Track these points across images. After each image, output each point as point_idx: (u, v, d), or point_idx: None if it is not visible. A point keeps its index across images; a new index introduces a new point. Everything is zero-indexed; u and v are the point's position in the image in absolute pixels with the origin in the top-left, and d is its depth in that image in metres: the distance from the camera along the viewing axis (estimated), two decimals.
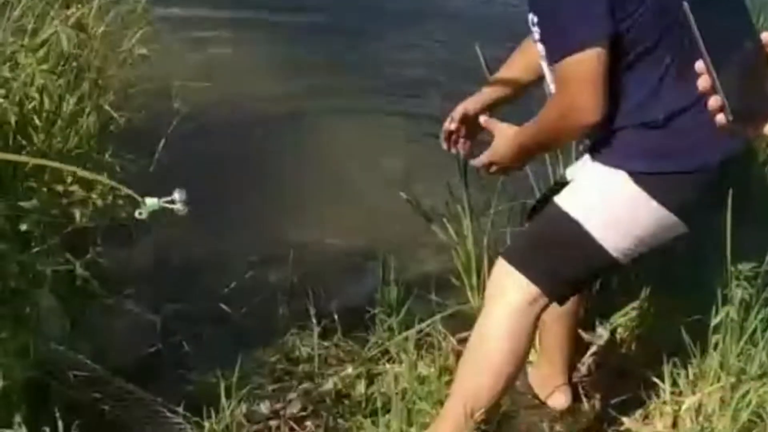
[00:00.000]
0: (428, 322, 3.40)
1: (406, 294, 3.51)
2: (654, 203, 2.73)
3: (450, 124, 3.10)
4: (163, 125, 4.05)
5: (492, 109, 3.09)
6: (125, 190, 2.11)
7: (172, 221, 3.84)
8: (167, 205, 2.40)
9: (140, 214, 2.35)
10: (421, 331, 3.41)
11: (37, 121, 3.52)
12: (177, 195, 2.40)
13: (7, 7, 3.70)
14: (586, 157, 2.85)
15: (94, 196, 2.67)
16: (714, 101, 1.29)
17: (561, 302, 2.98)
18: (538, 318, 2.87)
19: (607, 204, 2.78)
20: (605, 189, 2.77)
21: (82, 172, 2.51)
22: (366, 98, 4.81)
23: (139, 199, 2.27)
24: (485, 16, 6.18)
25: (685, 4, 1.28)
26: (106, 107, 3.78)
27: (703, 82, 1.29)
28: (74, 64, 3.75)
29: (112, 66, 3.95)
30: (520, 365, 2.91)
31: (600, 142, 2.76)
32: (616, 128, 2.70)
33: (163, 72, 4.21)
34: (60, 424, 2.49)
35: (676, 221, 2.76)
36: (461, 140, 3.13)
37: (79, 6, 3.98)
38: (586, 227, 2.76)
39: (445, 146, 3.15)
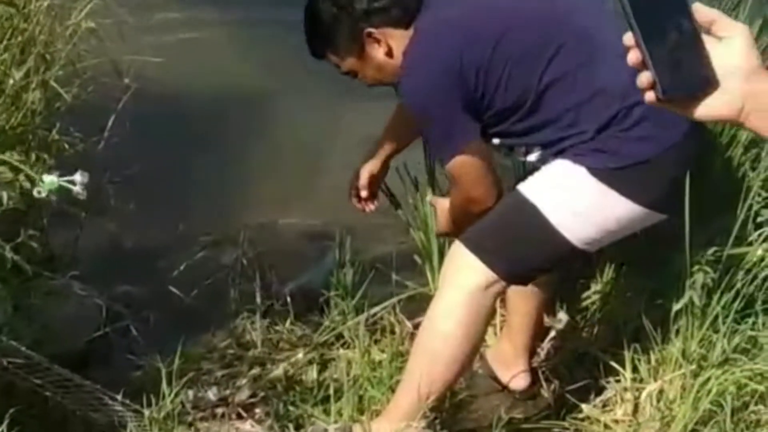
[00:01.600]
0: (382, 305, 3.35)
1: (363, 276, 3.43)
2: (615, 194, 2.74)
3: (362, 191, 3.40)
4: (113, 102, 3.92)
5: (389, 161, 3.41)
6: (24, 169, 1.99)
7: (122, 200, 3.85)
8: (66, 184, 2.31)
9: (39, 192, 2.27)
10: (375, 314, 3.34)
11: None
12: (78, 176, 2.32)
13: None
14: None
15: (21, 178, 2.57)
16: (645, 77, 1.27)
17: (523, 283, 2.93)
18: (494, 302, 2.85)
19: (567, 193, 2.77)
20: (566, 178, 2.77)
21: None
22: (326, 76, 4.74)
23: (37, 177, 2.17)
24: None
25: None
26: (53, 83, 3.65)
27: (633, 57, 1.27)
28: (19, 38, 3.62)
29: (59, 40, 3.82)
30: (474, 350, 2.89)
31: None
32: (563, 146, 2.77)
33: (113, 47, 4.08)
34: None
35: (643, 211, 2.75)
36: (369, 202, 3.44)
37: None
38: (545, 213, 2.75)
39: (358, 206, 3.45)
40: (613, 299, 3.44)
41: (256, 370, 3.25)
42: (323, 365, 3.30)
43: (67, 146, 3.67)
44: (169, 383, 2.87)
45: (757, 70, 1.26)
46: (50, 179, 2.31)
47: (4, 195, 2.54)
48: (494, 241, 2.83)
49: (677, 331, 3.07)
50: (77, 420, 2.93)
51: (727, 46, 1.26)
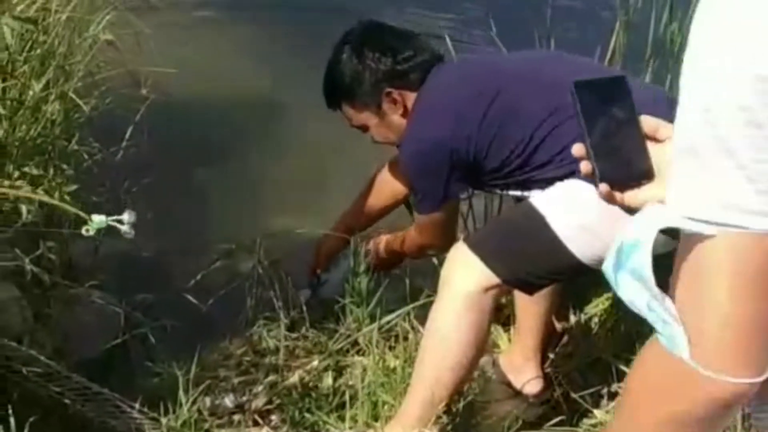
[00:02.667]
0: (397, 313, 3.35)
1: (378, 284, 3.45)
2: (625, 215, 2.70)
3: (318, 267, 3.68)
4: (130, 112, 3.98)
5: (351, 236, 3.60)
6: (72, 210, 2.03)
7: (140, 210, 3.88)
8: (115, 224, 2.35)
9: (87, 231, 2.31)
10: (389, 322, 3.36)
11: (0, 109, 3.45)
12: (126, 216, 2.37)
13: None
14: None
15: (39, 192, 2.61)
16: (585, 166, 1.42)
17: (529, 292, 2.95)
18: (494, 304, 2.87)
19: (577, 208, 2.77)
20: (575, 194, 2.77)
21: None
22: None
23: (86, 216, 2.21)
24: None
25: (571, 86, 1.43)
26: (71, 94, 3.71)
27: (576, 150, 1.43)
28: (38, 51, 3.68)
29: (77, 52, 3.88)
30: (479, 350, 2.89)
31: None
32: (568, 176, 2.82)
33: (131, 58, 4.14)
34: (12, 421, 2.41)
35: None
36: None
37: None
38: (553, 225, 2.76)
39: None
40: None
41: (272, 377, 3.26)
42: (338, 372, 3.31)
43: (86, 156, 3.72)
44: (187, 391, 2.89)
45: None
46: (99, 219, 2.35)
47: (24, 209, 2.58)
48: (498, 244, 2.85)
49: None
50: (96, 428, 2.94)
51: (669, 145, 1.36)
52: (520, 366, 3.28)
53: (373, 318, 3.34)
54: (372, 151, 3.47)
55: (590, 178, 1.43)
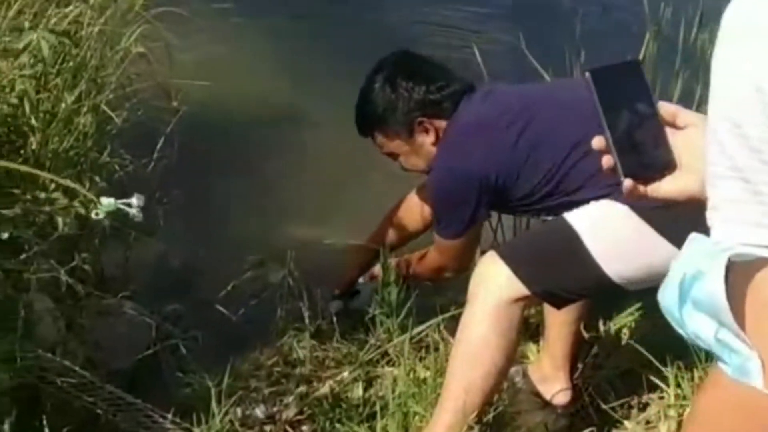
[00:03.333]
0: (427, 324, 3.36)
1: (408, 294, 3.46)
2: (655, 234, 2.74)
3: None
4: (162, 124, 4.02)
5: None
6: (80, 190, 2.04)
7: (171, 221, 3.92)
8: (123, 207, 2.36)
9: (96, 214, 2.32)
10: (420, 333, 3.37)
11: (33, 121, 3.48)
12: (134, 199, 2.37)
13: (3, 5, 3.66)
14: None
15: (76, 204, 2.64)
16: (606, 160, 1.41)
17: (557, 306, 2.95)
18: (523, 313, 2.88)
19: (610, 227, 2.80)
20: (609, 213, 2.80)
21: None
22: None
23: (95, 199, 2.22)
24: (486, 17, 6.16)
25: (587, 74, 1.41)
26: (104, 106, 3.74)
27: (596, 143, 1.41)
28: (71, 63, 3.71)
29: (109, 64, 3.91)
30: (509, 359, 2.90)
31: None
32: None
33: (162, 70, 4.17)
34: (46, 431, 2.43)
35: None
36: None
37: (77, 4, 3.94)
38: (585, 242, 2.77)
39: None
40: (656, 315, 3.44)
41: (302, 388, 3.27)
42: (369, 383, 3.32)
43: (117, 168, 3.75)
44: (219, 401, 2.90)
45: None
46: (108, 201, 2.37)
47: (60, 220, 2.61)
48: (530, 256, 2.87)
49: None
50: None
51: (689, 133, 1.38)
52: (550, 376, 3.28)
53: (403, 329, 3.34)
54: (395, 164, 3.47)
55: (612, 173, 1.42)
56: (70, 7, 3.91)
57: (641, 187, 1.41)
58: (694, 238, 1.30)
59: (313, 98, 4.95)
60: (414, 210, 3.60)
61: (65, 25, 3.77)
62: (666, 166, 1.40)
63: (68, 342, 3.17)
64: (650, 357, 3.29)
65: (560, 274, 2.83)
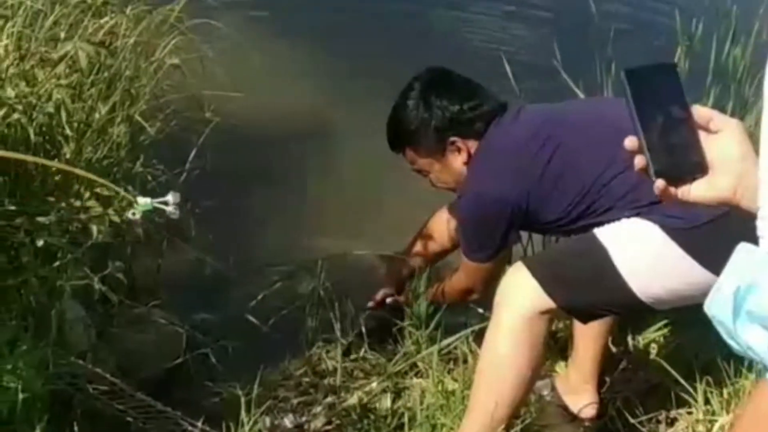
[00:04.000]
0: (456, 336, 3.36)
1: (437, 306, 3.47)
2: (685, 255, 2.74)
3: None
4: (194, 135, 4.04)
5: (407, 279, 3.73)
6: (116, 189, 2.06)
7: (203, 231, 3.94)
8: (160, 206, 2.37)
9: (133, 214, 2.33)
10: (449, 345, 3.38)
11: (67, 131, 3.51)
12: (170, 197, 2.37)
13: (40, 16, 3.69)
14: None
15: (110, 212, 2.66)
16: (639, 160, 1.41)
17: (583, 321, 2.96)
18: (550, 326, 2.90)
19: (639, 246, 2.80)
20: (640, 233, 2.79)
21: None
22: None
23: (132, 198, 2.23)
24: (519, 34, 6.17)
25: (622, 73, 1.42)
26: (137, 117, 3.77)
27: (629, 143, 1.41)
28: (105, 74, 3.74)
29: (143, 75, 3.94)
30: (535, 371, 2.90)
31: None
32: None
33: (195, 82, 4.19)
34: None
35: (712, 278, 2.70)
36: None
37: (113, 15, 3.97)
38: (614, 260, 2.77)
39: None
40: (685, 330, 3.44)
41: (331, 398, 3.28)
42: (397, 394, 3.33)
43: (149, 178, 3.78)
44: (248, 411, 2.91)
45: (747, 156, 1.38)
46: (144, 201, 2.37)
47: (94, 228, 2.63)
48: (557, 270, 2.87)
49: (750, 364, 3.06)
50: None
51: (722, 137, 1.39)
52: (577, 390, 3.28)
53: (432, 340, 3.35)
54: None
55: (644, 173, 1.42)
56: (106, 18, 3.94)
57: (672, 189, 1.41)
58: (743, 248, 1.29)
59: (345, 110, 4.98)
60: (444, 227, 3.61)
61: (101, 35, 3.80)
62: (697, 169, 1.40)
63: (99, 350, 3.20)
64: (679, 371, 3.29)
65: (587, 290, 2.83)
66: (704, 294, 2.76)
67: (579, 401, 3.28)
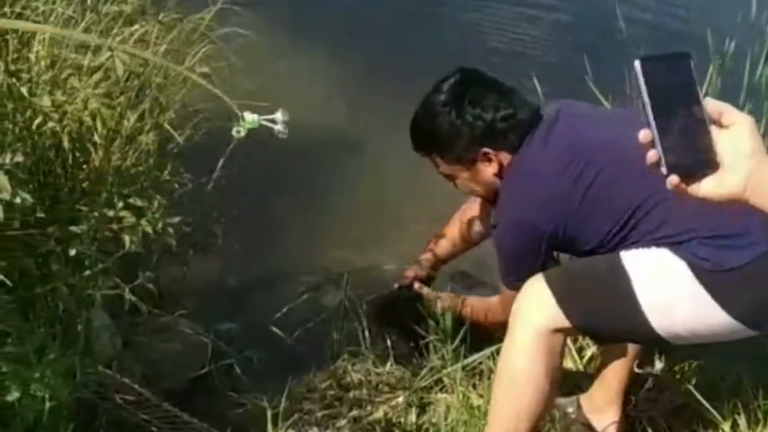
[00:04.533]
0: (482, 353, 3.35)
1: (462, 321, 3.46)
2: (708, 297, 2.69)
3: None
4: (221, 145, 4.04)
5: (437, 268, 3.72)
6: (227, 101, 2.03)
7: (229, 241, 3.94)
8: (267, 123, 2.30)
9: (238, 132, 2.27)
10: (474, 360, 3.36)
11: (96, 138, 3.52)
12: (279, 115, 2.31)
13: (71, 23, 3.71)
14: None
15: (143, 223, 2.66)
16: (652, 154, 1.40)
17: (598, 343, 2.93)
18: (565, 343, 2.85)
19: (663, 281, 2.74)
20: (666, 267, 2.74)
21: None
22: None
23: (239, 112, 2.18)
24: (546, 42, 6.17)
25: (637, 63, 1.40)
26: (166, 125, 3.78)
27: (643, 136, 1.40)
28: (135, 82, 3.75)
29: (173, 84, 3.95)
30: (553, 385, 2.86)
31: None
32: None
33: (224, 91, 4.18)
34: None
35: (731, 322, 2.70)
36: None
37: (143, 23, 3.99)
38: (636, 291, 2.73)
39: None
40: (712, 351, 3.42)
41: (355, 412, 3.27)
42: (422, 408, 3.32)
43: (177, 186, 3.78)
44: (275, 423, 2.91)
45: (758, 152, 1.38)
46: (251, 117, 2.31)
47: (127, 239, 2.63)
48: (576, 290, 2.82)
49: None
50: None
51: (733, 132, 1.38)
52: (603, 408, 3.26)
53: (457, 355, 3.33)
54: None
55: (656, 168, 1.40)
56: (136, 26, 3.95)
57: (683, 185, 1.40)
58: None
59: (373, 122, 4.96)
60: (467, 223, 3.57)
61: (131, 43, 3.81)
62: (708, 165, 1.38)
63: (124, 358, 3.21)
64: (704, 392, 3.27)
65: (605, 316, 2.79)
66: (723, 336, 2.75)
67: (604, 420, 3.25)
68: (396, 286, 3.62)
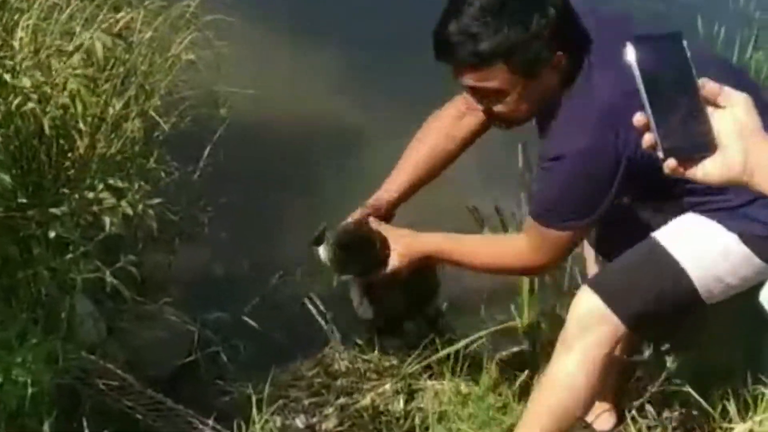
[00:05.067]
0: (470, 338, 3.33)
1: (451, 308, 3.44)
2: (757, 260, 2.69)
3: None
4: (208, 132, 4.02)
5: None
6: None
7: (216, 229, 3.92)
8: None
9: None
10: (466, 347, 3.34)
11: (81, 125, 3.49)
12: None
13: (56, 10, 3.68)
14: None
15: (123, 204, 2.64)
16: (648, 137, 1.35)
17: (639, 334, 2.96)
18: (612, 351, 2.79)
19: (715, 259, 2.70)
20: (715, 244, 2.70)
21: None
22: (423, 112, 4.78)
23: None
24: None
25: (629, 44, 1.34)
26: (151, 112, 3.76)
27: (637, 120, 1.36)
28: (121, 69, 3.72)
29: (158, 71, 3.92)
30: (595, 399, 2.89)
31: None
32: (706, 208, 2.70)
33: (210, 78, 4.18)
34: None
35: None
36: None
37: (129, 10, 3.96)
38: (692, 278, 2.69)
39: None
40: (701, 338, 3.40)
41: (343, 399, 3.26)
42: (410, 395, 3.30)
43: (163, 175, 3.76)
44: (259, 410, 2.88)
45: (756, 131, 1.34)
46: None
47: (107, 220, 2.61)
48: (634, 298, 2.74)
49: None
50: None
51: (729, 113, 1.34)
52: None
53: (447, 342, 3.31)
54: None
55: (653, 151, 1.36)
56: (122, 13, 3.92)
57: (680, 169, 1.36)
58: None
59: (362, 111, 4.93)
60: (449, 132, 3.09)
61: (116, 30, 3.78)
62: (706, 147, 1.35)
63: (108, 345, 3.18)
64: (695, 380, 3.26)
65: (661, 310, 2.78)
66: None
67: (595, 410, 3.23)
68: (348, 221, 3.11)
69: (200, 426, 2.89)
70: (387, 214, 3.13)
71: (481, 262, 2.97)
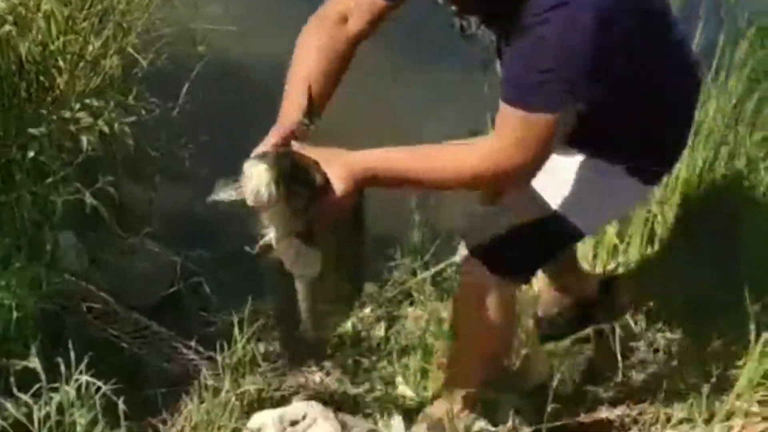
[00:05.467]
0: (445, 262, 3.36)
1: (428, 233, 3.47)
2: (642, 186, 2.68)
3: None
4: (186, 70, 4.02)
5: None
6: None
7: (196, 166, 3.93)
8: None
9: None
10: (441, 273, 3.38)
11: (61, 63, 3.51)
12: None
13: None
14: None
15: (100, 123, 2.64)
16: None
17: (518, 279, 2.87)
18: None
19: (594, 193, 2.61)
20: (594, 180, 2.59)
21: None
22: (412, 56, 4.79)
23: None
24: None
25: None
26: (129, 49, 3.76)
27: None
28: (98, 7, 3.73)
29: (136, 9, 3.92)
30: (513, 333, 2.96)
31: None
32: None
33: (187, 16, 4.17)
34: (72, 354, 2.45)
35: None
36: None
37: None
38: (571, 219, 2.60)
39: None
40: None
41: None
42: (391, 321, 3.34)
43: (143, 112, 3.77)
44: (241, 330, 2.91)
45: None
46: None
47: (85, 140, 2.62)
48: (514, 255, 2.66)
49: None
50: (151, 371, 2.99)
51: None
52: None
53: (426, 269, 3.35)
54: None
55: None
56: None
57: None
58: None
59: None
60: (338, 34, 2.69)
61: None
62: None
63: (91, 275, 3.20)
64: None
65: (546, 258, 2.83)
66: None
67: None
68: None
69: (184, 350, 2.92)
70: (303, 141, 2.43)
71: (442, 170, 2.31)
